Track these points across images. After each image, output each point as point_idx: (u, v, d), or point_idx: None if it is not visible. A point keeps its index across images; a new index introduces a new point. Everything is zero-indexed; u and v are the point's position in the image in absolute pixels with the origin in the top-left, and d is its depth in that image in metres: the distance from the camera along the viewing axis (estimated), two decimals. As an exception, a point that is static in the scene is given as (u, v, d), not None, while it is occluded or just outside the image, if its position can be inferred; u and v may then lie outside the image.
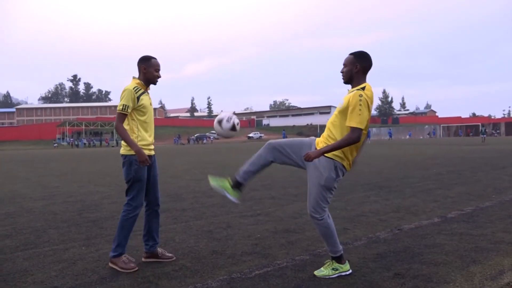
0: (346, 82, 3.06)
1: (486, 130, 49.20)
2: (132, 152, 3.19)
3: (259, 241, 3.91)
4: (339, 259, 2.99)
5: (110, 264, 3.23)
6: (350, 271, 3.01)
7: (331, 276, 2.94)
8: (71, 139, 60.57)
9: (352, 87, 3.00)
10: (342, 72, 3.06)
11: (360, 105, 2.79)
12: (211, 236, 4.14)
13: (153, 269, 3.19)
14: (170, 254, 3.53)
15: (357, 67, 2.97)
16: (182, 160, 17.82)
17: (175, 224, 4.72)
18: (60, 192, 7.78)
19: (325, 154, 2.87)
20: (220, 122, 3.28)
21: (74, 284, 2.92)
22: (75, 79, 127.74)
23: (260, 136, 71.58)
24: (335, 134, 2.92)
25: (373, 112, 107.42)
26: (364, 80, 3.00)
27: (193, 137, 64.89)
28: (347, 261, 3.04)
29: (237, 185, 3.18)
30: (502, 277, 2.85)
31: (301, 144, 3.08)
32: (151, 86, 3.48)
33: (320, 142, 2.99)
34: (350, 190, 7.08)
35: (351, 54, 3.04)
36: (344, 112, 2.89)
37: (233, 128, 3.27)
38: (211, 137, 66.09)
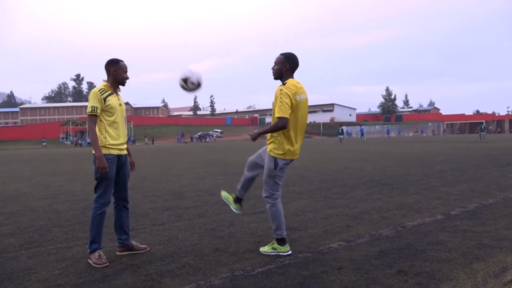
0: (276, 79, 3.47)
1: (490, 128, 48.72)
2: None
3: (261, 238, 3.91)
4: (280, 242, 3.40)
5: (88, 260, 3.32)
6: (290, 252, 3.39)
7: (269, 253, 3.38)
8: (75, 138, 60.78)
9: (282, 83, 3.38)
10: (272, 69, 3.46)
11: (281, 97, 3.20)
12: (214, 234, 4.15)
13: (156, 267, 3.20)
14: (143, 246, 3.67)
15: (286, 67, 3.39)
16: (185, 159, 17.85)
17: (178, 222, 4.73)
18: (64, 191, 7.81)
19: (268, 151, 3.45)
20: (185, 80, 3.53)
21: (78, 282, 2.93)
22: (78, 79, 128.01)
23: (263, 135, 71.42)
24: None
25: (376, 109, 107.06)
26: (291, 77, 3.40)
27: (196, 135, 64.99)
28: (287, 244, 3.42)
29: (238, 200, 3.84)
30: (505, 274, 2.84)
31: (263, 151, 3.61)
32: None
33: (268, 143, 3.50)
34: (352, 188, 7.08)
35: (281, 54, 3.44)
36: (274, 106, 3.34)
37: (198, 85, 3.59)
38: (214, 135, 66.15)
